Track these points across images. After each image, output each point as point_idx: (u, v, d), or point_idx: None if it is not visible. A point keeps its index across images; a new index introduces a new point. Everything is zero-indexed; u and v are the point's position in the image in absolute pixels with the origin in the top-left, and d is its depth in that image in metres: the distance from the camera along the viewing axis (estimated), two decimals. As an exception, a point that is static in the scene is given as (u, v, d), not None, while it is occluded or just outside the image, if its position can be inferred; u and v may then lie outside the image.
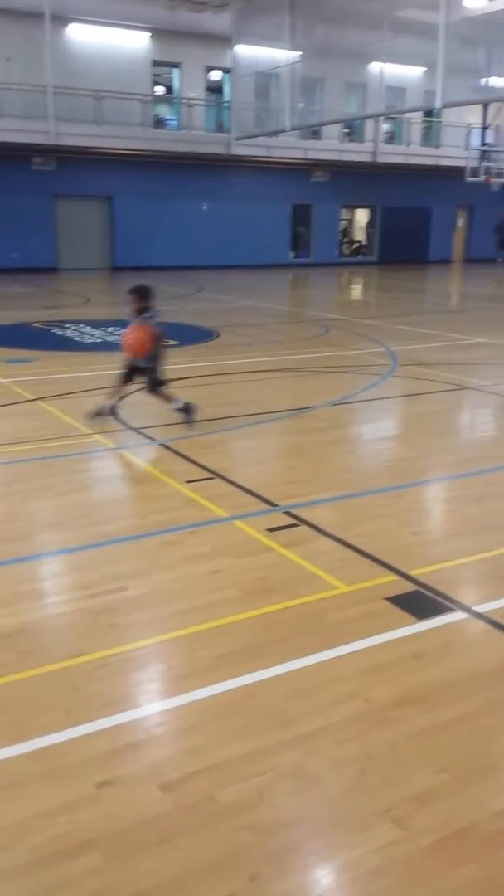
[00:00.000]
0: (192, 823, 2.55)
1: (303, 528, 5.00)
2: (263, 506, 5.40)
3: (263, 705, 3.16)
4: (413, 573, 4.32)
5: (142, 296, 7.03)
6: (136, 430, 7.31)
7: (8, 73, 24.13)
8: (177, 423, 7.35)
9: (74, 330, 13.63)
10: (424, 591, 4.11)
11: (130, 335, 7.03)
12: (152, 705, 3.21)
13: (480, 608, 3.95)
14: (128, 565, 4.47)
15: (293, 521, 5.11)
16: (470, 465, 6.45)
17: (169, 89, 29.20)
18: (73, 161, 26.29)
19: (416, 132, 32.97)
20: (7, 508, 5.43)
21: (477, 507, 5.47)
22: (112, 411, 7.38)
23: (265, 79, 26.64)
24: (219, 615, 3.87)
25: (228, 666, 3.42)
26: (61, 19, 24.58)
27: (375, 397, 8.95)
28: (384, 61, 22.11)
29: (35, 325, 14.36)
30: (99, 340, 12.51)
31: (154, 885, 2.32)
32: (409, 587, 4.16)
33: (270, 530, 4.95)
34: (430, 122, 33.42)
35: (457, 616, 3.88)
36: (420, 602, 4.00)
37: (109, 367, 10.34)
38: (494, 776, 2.79)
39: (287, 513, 5.26)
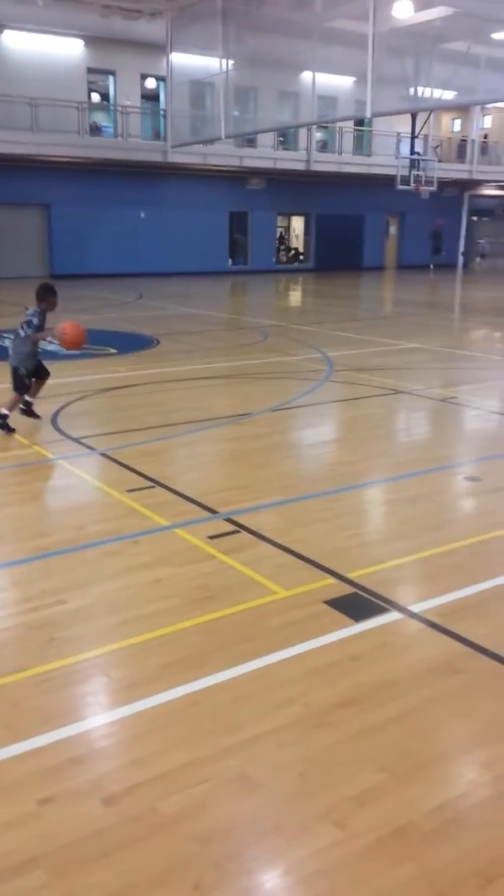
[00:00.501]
0: (135, 836, 2.55)
1: (243, 535, 5.04)
2: (204, 513, 5.43)
3: (206, 713, 3.18)
4: (351, 575, 4.40)
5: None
6: (76, 440, 7.26)
7: None
8: (118, 432, 7.31)
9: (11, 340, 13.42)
10: (362, 594, 4.19)
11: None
12: (95, 718, 3.20)
13: (416, 608, 4.05)
14: (68, 578, 4.44)
15: (234, 528, 5.15)
16: (405, 467, 6.59)
17: (104, 97, 29.05)
18: (8, 168, 25.91)
19: (348, 141, 33.50)
20: None
21: (412, 508, 5.59)
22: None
23: (200, 87, 26.71)
24: (161, 624, 3.88)
25: (171, 675, 3.44)
26: (-8, 25, 24.26)
27: (313, 402, 9.07)
28: (315, 71, 22.39)
29: (-30, 335, 14.09)
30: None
31: (98, 898, 2.32)
32: (347, 590, 4.24)
33: (211, 538, 4.98)
34: (362, 130, 33.99)
35: (393, 616, 3.96)
36: (358, 604, 4.08)
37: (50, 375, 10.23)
38: (430, 774, 2.86)
39: (228, 520, 5.29)
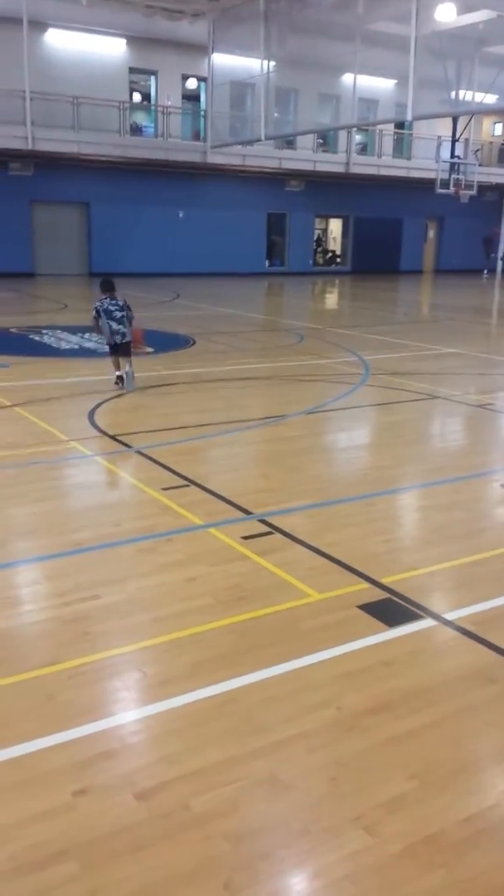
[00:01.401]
0: (166, 832, 2.58)
1: (277, 536, 5.05)
2: (238, 514, 5.45)
3: (238, 713, 3.20)
4: (384, 581, 4.38)
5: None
6: (112, 437, 7.33)
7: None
8: (153, 431, 7.37)
9: (51, 336, 13.60)
10: (395, 599, 4.18)
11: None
12: (127, 714, 3.23)
13: (449, 615, 4.03)
14: (102, 573, 4.49)
15: (267, 529, 5.16)
16: (440, 473, 6.55)
17: (146, 97, 29.25)
18: (50, 167, 26.23)
19: (388, 144, 33.34)
20: (-19, 516, 5.42)
21: (446, 515, 5.56)
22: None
23: (240, 88, 26.79)
24: (194, 623, 3.90)
25: (204, 674, 3.46)
26: (39, 25, 24.56)
27: (348, 406, 9.05)
28: (357, 73, 22.32)
29: (12, 330, 14.30)
30: (76, 347, 12.49)
31: (130, 892, 2.34)
32: (380, 595, 4.23)
33: (245, 538, 4.99)
34: (402, 134, 33.81)
35: (427, 623, 3.95)
36: (391, 609, 4.06)
37: (86, 373, 10.37)
38: (462, 782, 2.85)
39: (261, 521, 5.31)
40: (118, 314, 9.10)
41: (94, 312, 9.20)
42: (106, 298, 9.15)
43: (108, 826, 2.60)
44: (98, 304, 9.18)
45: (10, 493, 5.82)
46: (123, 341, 9.18)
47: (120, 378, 9.37)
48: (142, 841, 2.53)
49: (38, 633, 3.84)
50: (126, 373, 9.36)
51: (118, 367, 9.40)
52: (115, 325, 9.10)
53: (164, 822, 2.62)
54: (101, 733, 3.08)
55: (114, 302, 9.15)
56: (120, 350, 9.30)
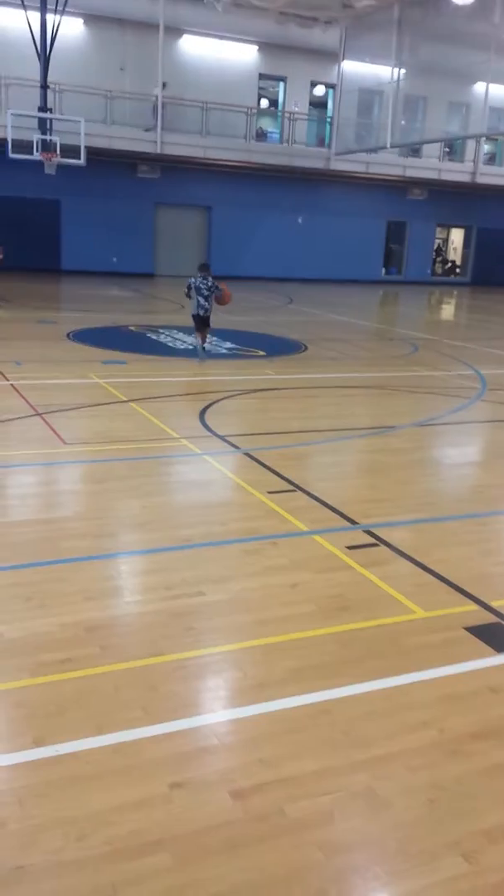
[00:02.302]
0: (261, 834, 2.58)
1: (382, 549, 4.99)
2: (344, 522, 5.41)
3: (337, 724, 3.17)
4: (494, 604, 4.25)
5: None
6: (222, 437, 7.42)
7: (121, 81, 24.90)
8: (261, 434, 7.42)
9: (167, 336, 13.91)
10: (505, 624, 4.04)
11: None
12: (226, 712, 3.26)
13: None
14: (208, 571, 4.55)
15: (373, 541, 5.10)
16: None
17: (273, 102, 29.53)
18: (176, 170, 26.88)
19: (518, 154, 32.35)
20: (97, 505, 5.60)
21: None
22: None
23: (368, 95, 26.65)
24: (295, 629, 3.90)
25: (303, 681, 3.45)
26: (175, 31, 25.20)
27: (462, 421, 8.83)
28: (489, 82, 21.79)
29: (131, 328, 14.73)
30: (190, 347, 12.72)
31: (221, 891, 2.36)
32: (489, 618, 4.10)
33: (350, 548, 4.95)
34: (534, 144, 32.72)
35: (538, 652, 3.80)
36: (500, 634, 3.93)
37: (199, 373, 10.56)
38: None
39: (367, 531, 5.25)
40: (206, 292, 11.14)
41: (186, 287, 11.33)
42: (199, 277, 11.17)
43: (202, 822, 2.63)
44: (192, 280, 11.26)
45: (123, 486, 5.99)
46: (205, 314, 11.25)
47: (203, 348, 11.60)
48: (235, 841, 2.55)
49: (145, 624, 3.92)
50: (202, 346, 11.55)
51: (202, 340, 11.61)
52: (201, 301, 11.18)
53: (259, 824, 2.62)
54: (200, 728, 3.12)
55: (204, 281, 11.14)
56: (200, 322, 11.36)
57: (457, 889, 2.42)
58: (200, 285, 11.13)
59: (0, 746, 2.95)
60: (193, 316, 11.37)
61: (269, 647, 3.73)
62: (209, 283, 11.15)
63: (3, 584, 4.25)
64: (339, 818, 2.67)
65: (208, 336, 11.88)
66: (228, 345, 13.12)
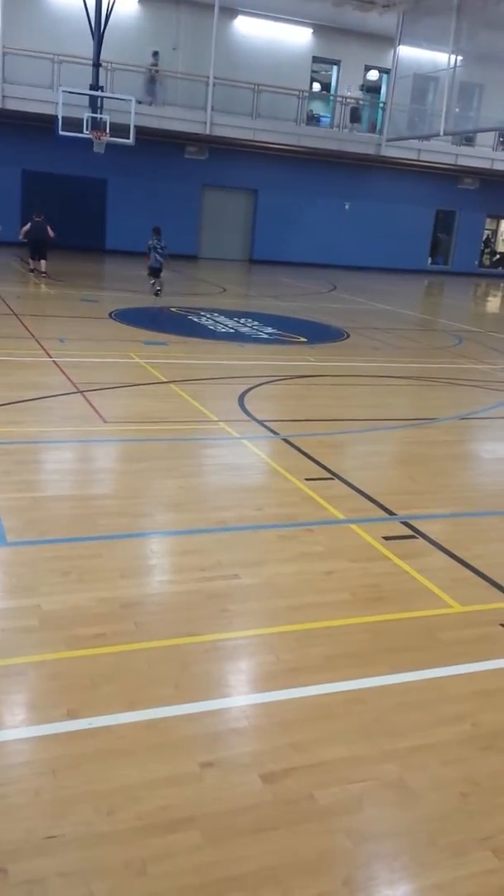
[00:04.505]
0: (290, 818, 2.58)
1: (419, 541, 4.94)
2: (381, 513, 5.37)
3: (369, 713, 3.16)
4: (532, 602, 4.19)
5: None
6: (260, 422, 7.41)
7: (173, 61, 24.81)
8: (300, 420, 7.39)
9: (209, 318, 13.91)
10: (543, 623, 3.98)
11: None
12: (258, 695, 3.27)
13: None
14: (243, 554, 4.55)
15: (410, 533, 5.06)
16: None
17: (325, 86, 29.21)
18: (224, 152, 26.76)
19: None
20: (135, 484, 5.63)
21: None
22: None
23: (423, 81, 26.19)
24: (329, 616, 3.89)
25: (336, 668, 3.44)
26: (230, 11, 25.02)
27: (505, 416, 8.70)
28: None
29: (173, 310, 14.75)
30: (231, 331, 12.71)
31: (249, 871, 2.37)
32: (527, 616, 4.04)
33: (386, 538, 4.92)
34: None
35: None
36: (537, 633, 3.88)
37: (239, 357, 10.55)
38: None
39: (405, 523, 5.21)
40: (161, 251, 15.48)
41: (146, 248, 15.64)
42: (155, 240, 15.44)
43: (232, 802, 2.64)
44: (151, 241, 15.51)
45: (161, 466, 6.02)
46: (160, 266, 15.57)
47: (157, 292, 15.66)
48: (265, 823, 2.55)
49: (179, 604, 3.94)
50: (158, 290, 15.67)
51: (159, 286, 15.72)
52: (157, 257, 15.50)
53: (289, 808, 2.63)
54: (232, 710, 3.13)
55: (158, 242, 15.44)
56: (156, 272, 15.64)
57: (486, 883, 2.40)
58: (156, 245, 15.43)
59: (35, 717, 3.00)
60: (151, 268, 15.60)
61: (303, 632, 3.72)
62: (162, 244, 15.44)
63: (42, 557, 4.30)
64: (368, 807, 2.66)
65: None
66: (270, 330, 13.08)
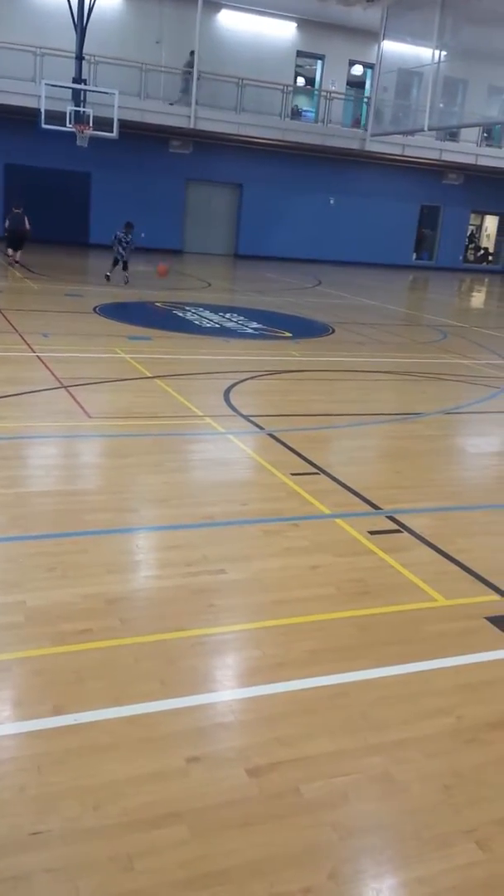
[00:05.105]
0: (276, 812, 2.59)
1: (405, 535, 4.96)
2: (366, 507, 5.39)
3: (354, 707, 3.17)
4: (516, 596, 4.22)
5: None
6: (246, 416, 7.41)
7: (156, 55, 24.69)
8: (286, 415, 7.39)
9: (194, 313, 13.88)
10: (527, 616, 4.01)
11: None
12: (243, 690, 3.27)
13: None
14: (229, 549, 4.55)
15: (395, 527, 5.08)
16: None
17: (309, 81, 29.18)
18: (208, 146, 26.68)
19: None
20: (120, 480, 5.62)
21: None
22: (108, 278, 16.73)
23: (407, 76, 26.23)
24: (315, 610, 3.90)
25: (321, 662, 3.45)
26: (213, 5, 24.93)
27: (490, 410, 8.75)
28: (533, 66, 21.48)
29: (157, 304, 14.71)
30: (216, 326, 12.69)
31: (235, 865, 2.38)
32: (511, 609, 4.07)
33: (372, 533, 4.93)
34: None
35: None
36: (521, 626, 3.91)
37: (225, 352, 10.53)
38: None
39: (390, 517, 5.23)
40: (126, 245, 16.57)
41: (113, 238, 16.65)
42: (122, 233, 16.46)
43: (218, 797, 2.64)
44: (118, 234, 16.54)
45: (146, 461, 6.00)
46: (123, 260, 16.71)
47: (108, 276, 16.91)
48: (251, 817, 2.56)
49: (165, 599, 3.94)
50: (113, 274, 16.90)
51: (110, 270, 16.92)
52: (121, 250, 16.58)
53: (274, 802, 2.63)
54: (217, 704, 3.13)
55: (125, 237, 16.46)
56: (120, 265, 16.76)
57: (470, 876, 2.42)
58: (123, 239, 16.50)
59: (21, 713, 2.98)
60: (114, 260, 16.80)
61: (288, 627, 3.73)
62: (129, 239, 16.56)
63: (27, 552, 4.28)
64: (354, 800, 2.67)
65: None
66: (255, 325, 13.07)
